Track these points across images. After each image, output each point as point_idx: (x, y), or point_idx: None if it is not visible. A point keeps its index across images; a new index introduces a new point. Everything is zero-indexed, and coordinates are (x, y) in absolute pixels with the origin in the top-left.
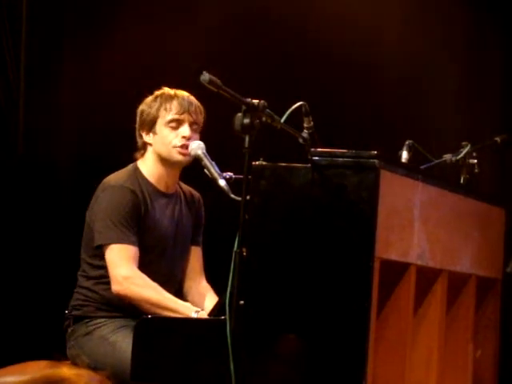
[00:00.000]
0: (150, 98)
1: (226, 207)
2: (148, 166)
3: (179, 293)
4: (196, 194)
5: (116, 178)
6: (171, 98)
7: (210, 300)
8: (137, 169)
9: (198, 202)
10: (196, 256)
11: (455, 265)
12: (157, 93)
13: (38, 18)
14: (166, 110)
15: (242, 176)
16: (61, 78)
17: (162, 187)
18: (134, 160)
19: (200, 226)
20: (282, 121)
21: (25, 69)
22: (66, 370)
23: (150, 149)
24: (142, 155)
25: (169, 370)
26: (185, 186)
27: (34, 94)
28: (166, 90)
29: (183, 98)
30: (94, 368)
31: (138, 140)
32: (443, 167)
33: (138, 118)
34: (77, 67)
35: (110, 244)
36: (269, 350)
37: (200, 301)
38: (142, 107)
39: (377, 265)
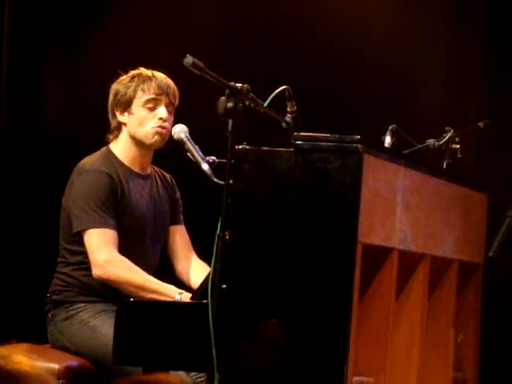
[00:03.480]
0: (125, 78)
1: (208, 191)
2: (122, 147)
3: (160, 274)
4: (167, 174)
5: (90, 161)
6: (149, 78)
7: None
8: (110, 151)
9: (171, 182)
10: (181, 235)
11: (437, 250)
12: (133, 72)
13: (23, 5)
14: (143, 90)
15: (225, 160)
16: (44, 65)
17: (136, 168)
18: (107, 142)
19: (179, 205)
20: (266, 105)
21: (8, 56)
22: (20, 360)
23: (124, 129)
24: (117, 136)
25: (151, 353)
26: (156, 168)
27: (16, 81)
28: (143, 70)
29: (161, 80)
30: (75, 352)
31: (112, 120)
32: (426, 152)
33: (111, 98)
34: (61, 55)
35: (88, 229)
36: (251, 334)
37: (197, 280)
38: (116, 86)
39: (359, 249)
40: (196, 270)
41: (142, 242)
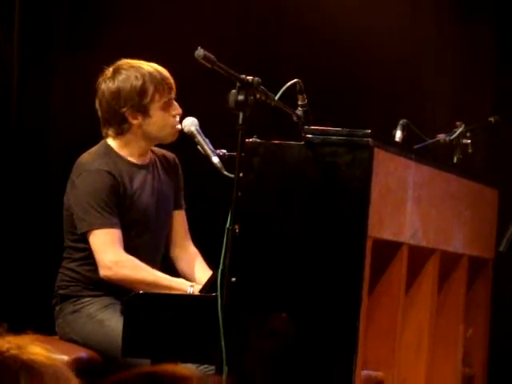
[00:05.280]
0: (124, 75)
1: (219, 184)
2: (124, 142)
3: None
4: (170, 155)
5: (89, 159)
6: (159, 77)
7: (200, 269)
8: (108, 146)
9: (174, 163)
10: (180, 220)
11: (447, 245)
12: (130, 68)
13: (31, 5)
14: (159, 93)
15: (235, 153)
16: (54, 54)
17: (136, 160)
18: (105, 137)
19: (181, 188)
20: (276, 98)
21: (18, 44)
22: (36, 351)
23: (135, 130)
24: (123, 136)
25: (159, 346)
26: (157, 150)
27: (27, 70)
28: (143, 65)
29: (165, 74)
30: (83, 345)
31: (120, 122)
32: (437, 147)
33: (115, 98)
34: (71, 45)
35: (93, 230)
36: (260, 326)
37: (189, 270)
38: (118, 84)
39: (369, 244)
40: (191, 263)
41: (145, 235)
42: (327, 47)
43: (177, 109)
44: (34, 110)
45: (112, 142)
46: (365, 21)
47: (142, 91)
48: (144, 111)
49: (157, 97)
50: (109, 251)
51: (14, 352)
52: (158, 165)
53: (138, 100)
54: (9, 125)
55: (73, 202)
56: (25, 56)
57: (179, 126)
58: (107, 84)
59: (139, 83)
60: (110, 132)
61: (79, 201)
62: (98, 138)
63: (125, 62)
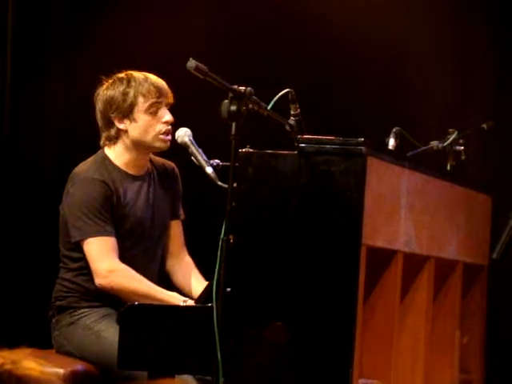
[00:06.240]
0: (114, 82)
1: (213, 194)
2: (119, 152)
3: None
4: (170, 164)
5: (84, 169)
6: (145, 81)
7: (195, 279)
8: (105, 156)
9: (173, 173)
10: (176, 231)
11: (442, 251)
12: (121, 76)
13: (25, 9)
14: (143, 95)
15: (229, 163)
16: (48, 70)
17: (133, 171)
18: (102, 146)
19: (178, 198)
20: (269, 108)
21: (11, 61)
22: (31, 365)
23: (124, 136)
24: (114, 143)
25: (156, 358)
26: (156, 160)
27: (20, 87)
28: (134, 72)
29: (157, 81)
30: (80, 357)
31: (107, 128)
32: (430, 154)
33: (104, 105)
34: (64, 60)
35: (87, 238)
36: (256, 337)
37: (184, 281)
38: (108, 92)
39: (363, 251)
40: (186, 273)
41: (140, 245)
42: (319, 55)
43: (167, 115)
44: (29, 112)
45: (108, 152)
46: (358, 28)
47: (124, 93)
48: (129, 115)
49: (140, 99)
50: (104, 259)
51: (8, 367)
52: (156, 175)
53: (121, 103)
54: (2, 128)
55: (67, 210)
56: (19, 58)
57: (168, 137)
58: (100, 93)
59: (123, 87)
60: (104, 140)
61: (73, 209)
62: (94, 141)
63: (123, 72)
